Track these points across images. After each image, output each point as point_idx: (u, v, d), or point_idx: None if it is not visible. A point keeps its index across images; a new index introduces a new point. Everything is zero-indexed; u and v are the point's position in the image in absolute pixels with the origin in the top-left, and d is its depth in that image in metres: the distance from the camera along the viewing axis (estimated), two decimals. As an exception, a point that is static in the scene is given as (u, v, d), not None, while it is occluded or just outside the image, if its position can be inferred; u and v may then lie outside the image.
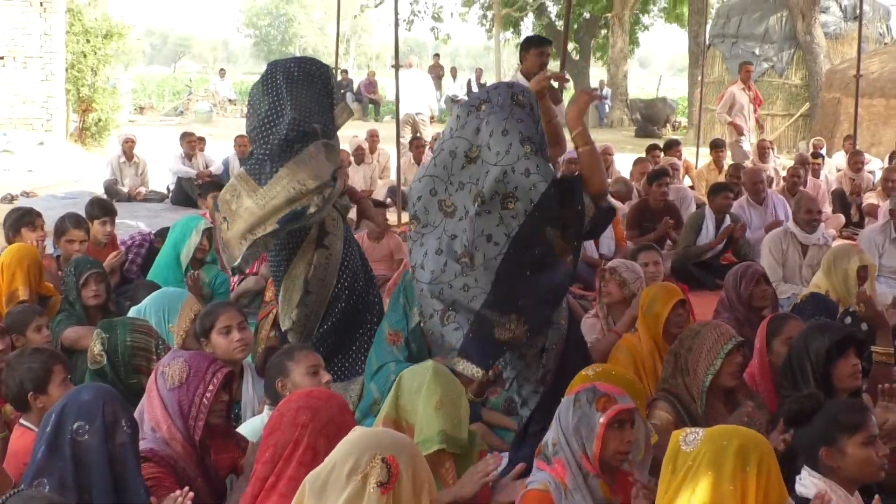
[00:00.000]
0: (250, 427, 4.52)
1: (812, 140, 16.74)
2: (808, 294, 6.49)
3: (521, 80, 7.74)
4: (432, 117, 20.08)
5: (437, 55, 36.23)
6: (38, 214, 7.47)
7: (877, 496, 3.17)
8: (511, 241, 4.40)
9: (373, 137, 15.50)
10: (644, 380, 5.37)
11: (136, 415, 3.77)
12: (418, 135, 16.54)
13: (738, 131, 14.80)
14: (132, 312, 5.58)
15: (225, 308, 5.17)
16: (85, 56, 19.98)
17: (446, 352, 4.46)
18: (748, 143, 14.86)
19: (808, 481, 3.47)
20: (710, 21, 26.34)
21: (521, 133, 4.44)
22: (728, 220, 9.78)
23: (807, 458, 3.54)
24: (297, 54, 72.14)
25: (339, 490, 2.87)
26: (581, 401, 3.70)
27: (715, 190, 9.97)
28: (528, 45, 9.13)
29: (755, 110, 15.25)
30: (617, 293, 6.29)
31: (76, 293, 6.05)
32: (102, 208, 7.98)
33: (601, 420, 3.62)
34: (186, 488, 3.46)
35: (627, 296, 6.17)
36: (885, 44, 25.47)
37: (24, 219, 7.25)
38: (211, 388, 3.89)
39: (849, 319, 5.48)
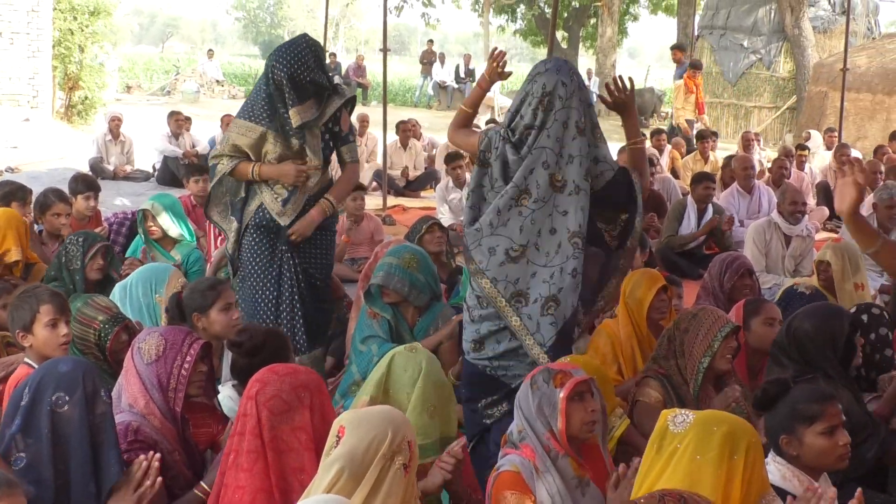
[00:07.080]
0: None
1: (802, 133, 16.72)
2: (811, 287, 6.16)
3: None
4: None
5: (430, 41, 36.22)
6: (30, 191, 7.47)
7: (859, 490, 3.09)
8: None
9: (362, 122, 15.43)
10: (622, 364, 5.40)
11: (112, 393, 3.75)
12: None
13: None
14: (118, 287, 5.60)
15: (226, 285, 5.17)
16: (72, 33, 19.81)
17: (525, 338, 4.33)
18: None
19: (772, 466, 3.45)
20: (699, 12, 26.36)
21: (592, 119, 4.56)
22: (710, 211, 9.77)
23: (772, 443, 3.53)
24: (286, 37, 72.01)
25: (370, 468, 2.84)
26: (538, 382, 3.70)
27: (697, 179, 9.90)
28: None
29: None
30: None
31: (80, 264, 5.99)
32: (86, 183, 8.01)
33: (561, 395, 3.62)
34: (151, 452, 3.48)
35: None
36: (873, 38, 25.53)
37: (16, 194, 7.26)
38: (189, 358, 3.87)
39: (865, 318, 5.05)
